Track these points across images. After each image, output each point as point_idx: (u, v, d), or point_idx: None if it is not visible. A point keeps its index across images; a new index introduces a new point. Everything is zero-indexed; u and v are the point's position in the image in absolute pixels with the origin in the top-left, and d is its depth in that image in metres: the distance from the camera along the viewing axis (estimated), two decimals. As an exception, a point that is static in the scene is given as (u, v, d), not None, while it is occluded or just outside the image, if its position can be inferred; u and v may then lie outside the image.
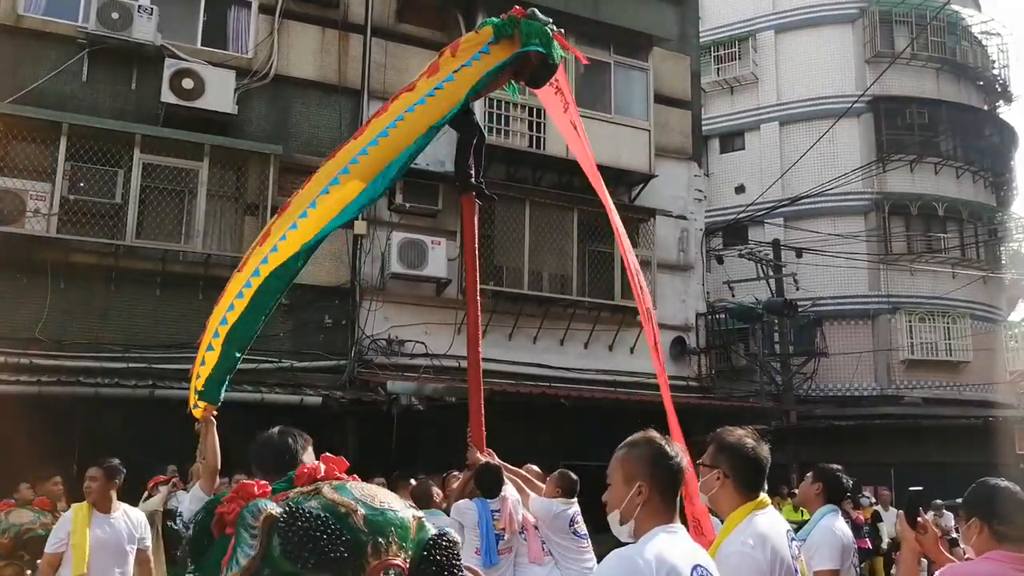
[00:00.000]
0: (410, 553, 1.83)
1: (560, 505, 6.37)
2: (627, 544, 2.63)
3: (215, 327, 5.22)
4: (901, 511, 3.77)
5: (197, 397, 5.35)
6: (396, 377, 12.63)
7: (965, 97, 23.50)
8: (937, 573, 3.32)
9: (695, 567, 2.50)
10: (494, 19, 5.65)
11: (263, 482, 1.92)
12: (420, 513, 1.96)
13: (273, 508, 1.78)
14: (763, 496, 3.26)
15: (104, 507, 6.21)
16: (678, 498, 2.71)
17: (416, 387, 12.42)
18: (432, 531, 1.93)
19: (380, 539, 1.79)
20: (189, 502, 5.98)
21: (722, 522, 3.29)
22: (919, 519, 3.57)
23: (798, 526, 14.41)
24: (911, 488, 3.76)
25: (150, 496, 9.34)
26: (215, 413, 5.35)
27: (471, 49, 5.52)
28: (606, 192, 5.64)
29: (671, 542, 2.53)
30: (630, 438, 2.78)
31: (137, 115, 12.26)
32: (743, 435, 3.31)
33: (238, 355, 5.25)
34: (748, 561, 3.01)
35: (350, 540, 1.76)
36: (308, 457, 3.02)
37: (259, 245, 5.24)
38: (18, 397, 10.26)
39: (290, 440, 3.06)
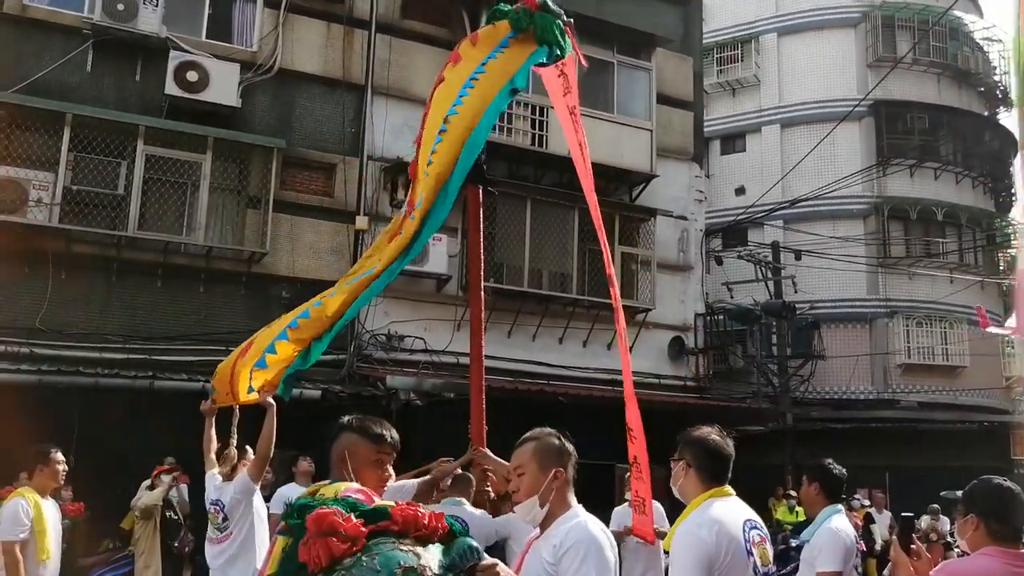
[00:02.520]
0: None
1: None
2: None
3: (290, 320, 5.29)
4: (895, 537, 3.85)
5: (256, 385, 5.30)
6: (395, 372, 12.67)
7: (966, 103, 23.54)
8: (934, 570, 3.38)
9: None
10: (506, 7, 5.66)
11: (353, 520, 2.10)
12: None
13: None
14: (727, 487, 3.50)
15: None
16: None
17: (415, 382, 12.47)
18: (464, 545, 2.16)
19: None
20: (236, 491, 5.90)
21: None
22: (912, 545, 3.61)
23: (794, 527, 14.33)
24: (904, 514, 3.82)
25: (153, 486, 9.35)
26: (271, 401, 5.27)
27: (491, 41, 5.54)
28: (591, 188, 5.68)
29: (593, 519, 3.13)
30: (531, 433, 3.22)
31: (141, 107, 12.26)
32: (708, 431, 3.58)
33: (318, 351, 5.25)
34: (694, 541, 3.25)
35: None
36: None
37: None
38: (18, 386, 10.30)
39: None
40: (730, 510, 3.42)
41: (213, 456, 6.17)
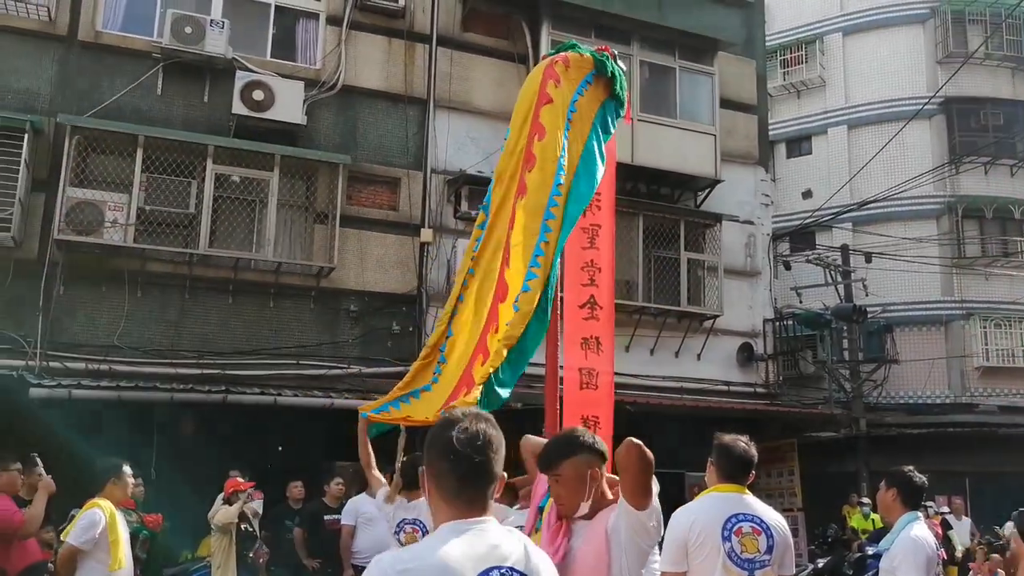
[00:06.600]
0: None
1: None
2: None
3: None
4: (1016, 530, 3.99)
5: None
6: (462, 383, 12.71)
7: (1042, 97, 22.86)
8: None
9: (488, 570, 2.19)
10: (582, 48, 5.69)
11: None
12: None
13: None
14: (737, 485, 4.21)
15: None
16: (482, 491, 2.32)
17: (481, 393, 12.49)
18: None
19: None
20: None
21: None
22: None
23: (871, 534, 14.02)
24: (1022, 509, 3.80)
25: (227, 502, 9.47)
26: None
27: (579, 72, 5.55)
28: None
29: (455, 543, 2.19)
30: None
31: (209, 127, 12.53)
32: (735, 438, 4.29)
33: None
34: (673, 522, 4.13)
35: None
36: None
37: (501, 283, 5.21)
38: (99, 402, 10.60)
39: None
40: (715, 500, 4.20)
41: (377, 473, 5.75)
